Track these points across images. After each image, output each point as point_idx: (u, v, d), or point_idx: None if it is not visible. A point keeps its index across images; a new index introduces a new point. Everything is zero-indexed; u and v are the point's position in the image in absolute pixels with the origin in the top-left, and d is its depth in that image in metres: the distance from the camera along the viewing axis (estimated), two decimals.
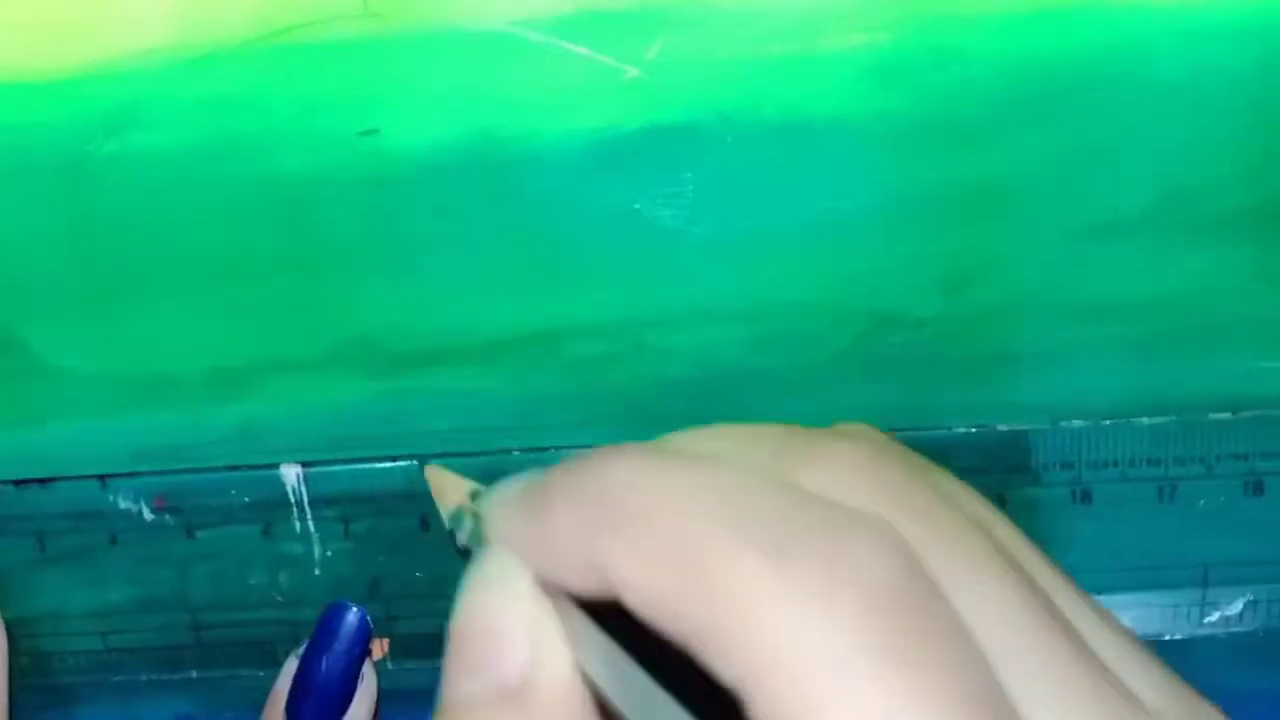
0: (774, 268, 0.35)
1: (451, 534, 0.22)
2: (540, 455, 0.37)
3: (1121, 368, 0.36)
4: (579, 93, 0.34)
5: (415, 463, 0.38)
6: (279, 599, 0.39)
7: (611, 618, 0.17)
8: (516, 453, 0.37)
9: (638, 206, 0.35)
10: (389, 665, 0.40)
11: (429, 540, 0.38)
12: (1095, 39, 0.33)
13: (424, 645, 0.40)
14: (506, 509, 0.18)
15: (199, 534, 0.39)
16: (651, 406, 0.36)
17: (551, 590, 0.17)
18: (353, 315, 0.36)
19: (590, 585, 0.16)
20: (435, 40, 0.33)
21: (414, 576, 0.39)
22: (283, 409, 0.37)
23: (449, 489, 0.23)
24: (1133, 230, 0.34)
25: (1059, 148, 0.34)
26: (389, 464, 0.38)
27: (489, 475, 0.38)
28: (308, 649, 0.38)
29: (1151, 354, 0.36)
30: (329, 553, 0.39)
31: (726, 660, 0.14)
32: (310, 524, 0.38)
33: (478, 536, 0.20)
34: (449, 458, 0.37)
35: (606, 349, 0.36)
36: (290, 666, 0.38)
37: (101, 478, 0.38)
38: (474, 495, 0.22)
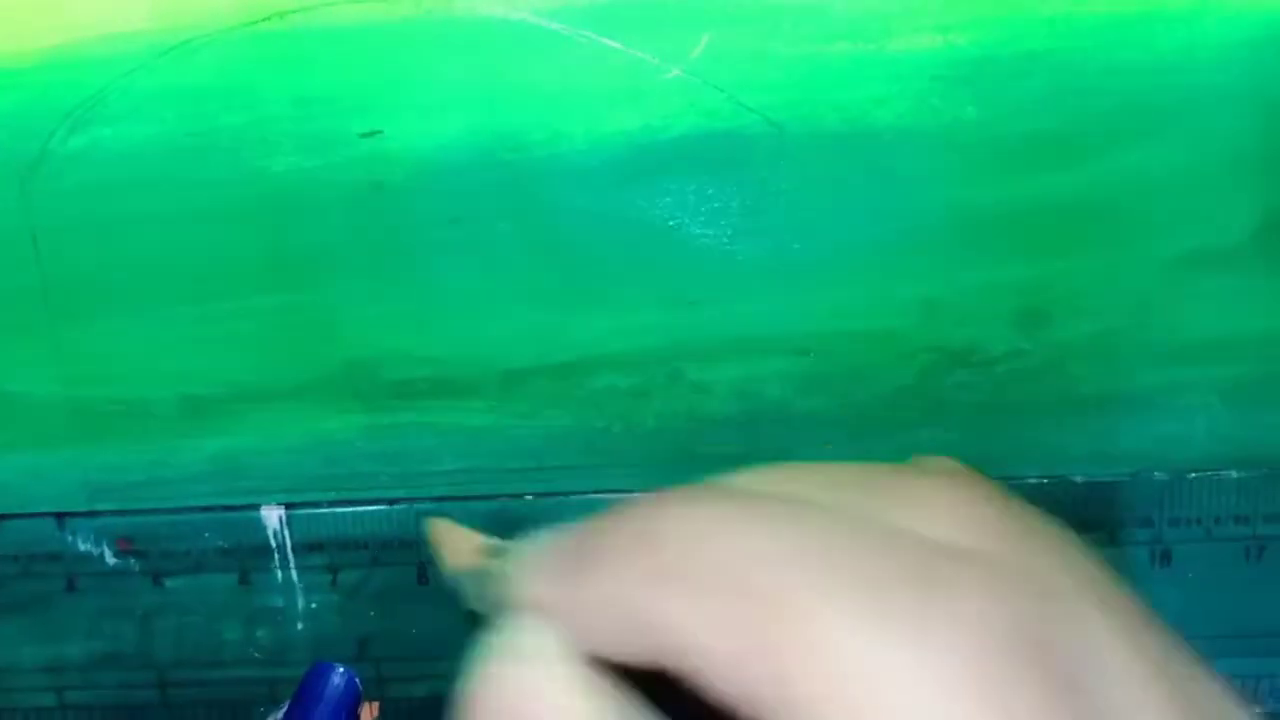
0: (828, 294, 0.32)
1: (456, 595, 0.21)
2: (558, 501, 0.34)
3: (1212, 413, 0.33)
4: (612, 93, 0.31)
5: (413, 506, 0.35)
6: (256, 656, 0.36)
7: (657, 692, 0.16)
8: (530, 498, 0.34)
9: (674, 223, 0.32)
10: None
11: (426, 594, 0.35)
12: (1201, 46, 0.30)
13: (418, 711, 0.37)
14: (536, 568, 0.17)
15: (167, 581, 0.36)
16: (687, 448, 0.33)
17: (590, 662, 0.16)
18: (346, 338, 0.33)
19: (639, 652, 0.15)
20: (449, 30, 0.30)
21: (409, 634, 0.36)
22: (264, 443, 0.34)
23: (457, 545, 0.22)
24: (1233, 260, 0.32)
25: (1155, 166, 0.31)
26: (384, 507, 0.35)
27: (499, 523, 0.34)
28: (288, 713, 0.34)
29: (1246, 399, 0.33)
30: (313, 605, 0.36)
31: None
32: (293, 573, 0.35)
33: (494, 600, 0.18)
34: (452, 501, 0.34)
35: (637, 382, 0.33)
36: None
37: (58, 516, 0.35)
38: (488, 552, 0.20)
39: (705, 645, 0.14)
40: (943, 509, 0.15)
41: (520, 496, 0.34)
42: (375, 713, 0.36)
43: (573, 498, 0.34)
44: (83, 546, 0.35)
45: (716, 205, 0.31)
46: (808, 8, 0.30)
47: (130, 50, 0.30)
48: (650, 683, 0.15)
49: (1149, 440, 0.33)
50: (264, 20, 0.30)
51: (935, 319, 0.32)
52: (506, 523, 0.34)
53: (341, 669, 0.34)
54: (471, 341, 0.33)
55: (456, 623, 0.35)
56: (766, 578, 0.14)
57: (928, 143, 0.31)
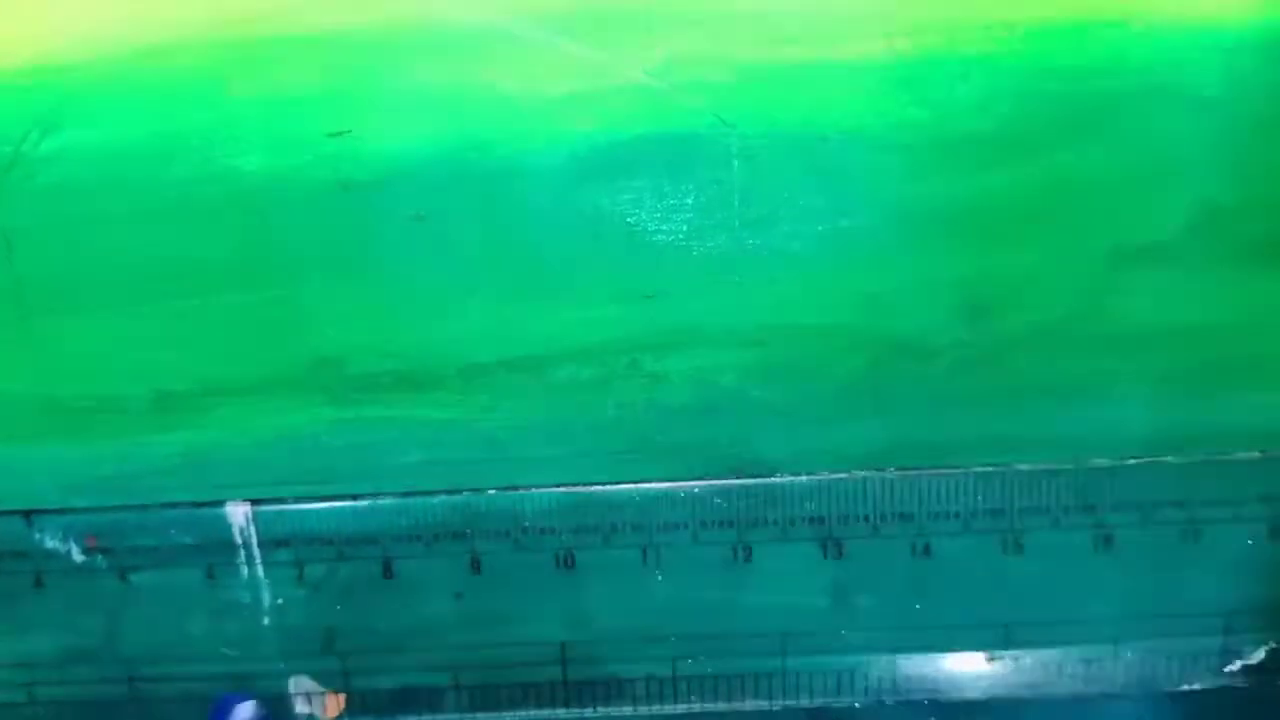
0: (780, 289, 0.33)
1: None
2: (520, 495, 0.34)
3: (1149, 401, 0.34)
4: (573, 95, 0.31)
5: (377, 502, 0.35)
6: (223, 651, 0.36)
7: None
8: (493, 491, 0.34)
9: (632, 220, 0.32)
10: None
11: (391, 588, 0.35)
12: (1130, 51, 0.31)
13: (384, 702, 0.37)
14: None
15: (134, 577, 0.36)
16: (645, 437, 0.34)
17: None
18: (313, 334, 0.34)
19: None
20: (416, 33, 0.31)
21: (375, 627, 0.36)
22: (231, 439, 0.34)
23: None
24: (1166, 253, 0.33)
25: (1089, 165, 0.32)
26: (349, 502, 0.35)
27: (462, 514, 0.35)
28: None
29: (1181, 387, 0.34)
30: (280, 600, 0.36)
31: None
32: (259, 568, 0.35)
33: None
34: (416, 496, 0.34)
35: (596, 374, 0.34)
36: None
37: (26, 513, 0.35)
38: None
39: None
40: None
41: (481, 490, 0.35)
42: (342, 704, 0.37)
43: (533, 490, 0.35)
44: (50, 543, 0.35)
45: (673, 203, 0.32)
46: (760, 15, 0.30)
47: (103, 54, 0.30)
48: None
49: (1089, 428, 0.34)
50: (234, 24, 0.30)
51: (882, 312, 0.33)
52: (469, 513, 0.35)
53: (249, 701, 0.34)
54: (435, 336, 0.33)
55: (421, 615, 0.36)
56: None
57: (874, 143, 0.31)
